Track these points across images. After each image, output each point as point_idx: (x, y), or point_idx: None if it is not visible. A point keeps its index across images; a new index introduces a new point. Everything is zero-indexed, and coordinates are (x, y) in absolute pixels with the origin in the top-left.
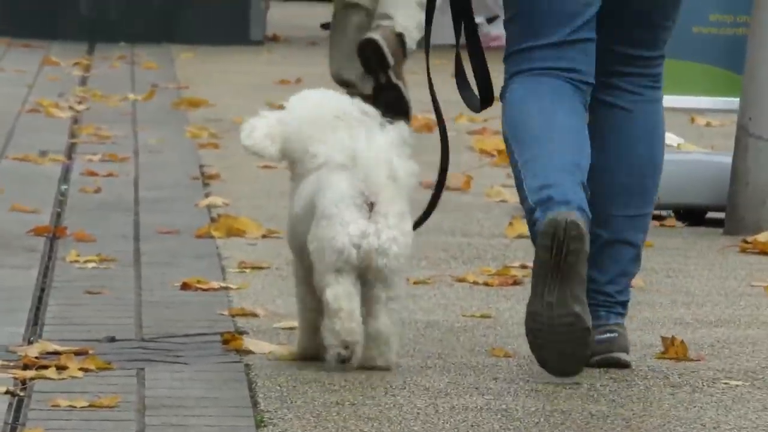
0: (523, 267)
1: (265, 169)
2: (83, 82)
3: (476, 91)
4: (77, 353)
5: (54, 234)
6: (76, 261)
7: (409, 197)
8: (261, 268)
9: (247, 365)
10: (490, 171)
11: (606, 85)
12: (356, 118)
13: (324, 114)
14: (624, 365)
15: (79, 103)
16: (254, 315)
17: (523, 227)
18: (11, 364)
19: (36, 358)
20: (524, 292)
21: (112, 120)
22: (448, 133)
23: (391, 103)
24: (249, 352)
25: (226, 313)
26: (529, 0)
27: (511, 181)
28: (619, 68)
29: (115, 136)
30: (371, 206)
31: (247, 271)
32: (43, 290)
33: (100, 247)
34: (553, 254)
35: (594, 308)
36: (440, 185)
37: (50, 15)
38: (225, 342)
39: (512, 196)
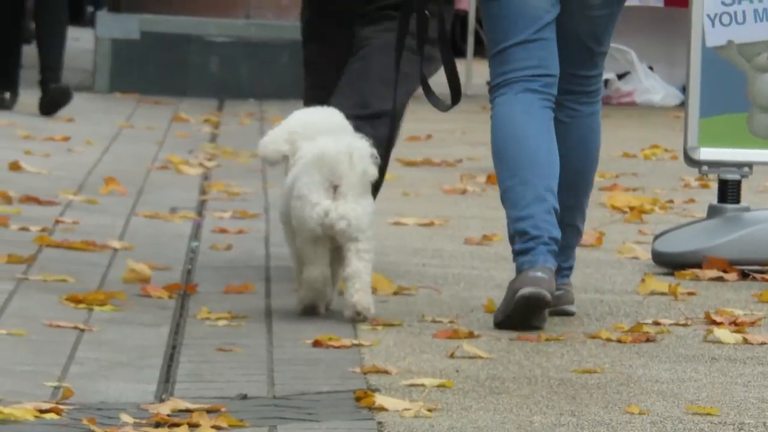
0: (656, 324)
1: (396, 226)
2: (213, 138)
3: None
4: (209, 411)
5: (185, 291)
6: (207, 318)
7: (368, 186)
8: (392, 325)
9: (379, 423)
10: (622, 227)
11: (557, 104)
12: (344, 130)
13: (317, 123)
14: (570, 314)
15: (209, 159)
16: (386, 372)
17: (656, 284)
18: (143, 422)
19: (168, 415)
20: (658, 348)
21: (241, 176)
22: None
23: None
24: (381, 409)
25: (357, 370)
26: (498, 10)
27: (644, 238)
28: (563, 86)
29: (244, 193)
30: (335, 188)
31: (379, 328)
32: (174, 347)
33: (231, 304)
34: (522, 315)
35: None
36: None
37: (180, 72)
38: (357, 399)
39: (644, 253)
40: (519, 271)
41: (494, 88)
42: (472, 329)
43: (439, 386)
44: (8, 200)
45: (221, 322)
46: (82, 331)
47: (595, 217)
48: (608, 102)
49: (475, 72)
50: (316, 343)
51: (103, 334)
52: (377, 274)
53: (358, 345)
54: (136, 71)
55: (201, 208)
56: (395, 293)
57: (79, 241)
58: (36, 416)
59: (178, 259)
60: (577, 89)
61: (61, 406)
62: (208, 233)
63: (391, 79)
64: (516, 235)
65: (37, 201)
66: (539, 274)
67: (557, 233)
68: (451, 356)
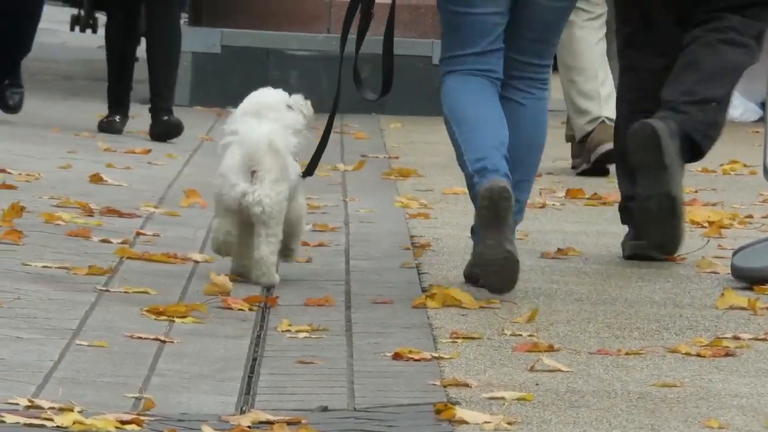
0: (736, 338)
1: None
2: None
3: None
4: (289, 423)
5: (266, 303)
6: (288, 330)
7: (285, 166)
8: (473, 338)
9: None
10: (701, 242)
11: (508, 86)
12: (278, 109)
13: (249, 106)
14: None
15: None
16: (466, 385)
17: (735, 298)
18: None
19: (248, 427)
20: (737, 363)
21: (322, 190)
22: None
23: None
24: (462, 422)
25: (438, 383)
26: (456, 21)
27: (723, 252)
28: (517, 73)
29: (325, 206)
30: (253, 173)
31: (459, 341)
32: (255, 360)
33: (311, 316)
34: (490, 210)
35: None
36: (326, 134)
37: (260, 86)
38: (437, 412)
39: (724, 267)
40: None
41: (446, 73)
42: (552, 342)
43: (518, 399)
44: (90, 212)
45: (302, 335)
46: (164, 342)
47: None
48: None
49: (551, 86)
50: (397, 356)
51: (184, 346)
52: (460, 291)
53: (438, 358)
54: (217, 85)
55: None
56: (476, 307)
57: (160, 253)
58: (117, 427)
59: None
60: (527, 75)
61: (143, 418)
62: None
63: (718, 71)
64: (475, 174)
65: (118, 213)
66: (500, 181)
67: (511, 178)
68: (531, 369)
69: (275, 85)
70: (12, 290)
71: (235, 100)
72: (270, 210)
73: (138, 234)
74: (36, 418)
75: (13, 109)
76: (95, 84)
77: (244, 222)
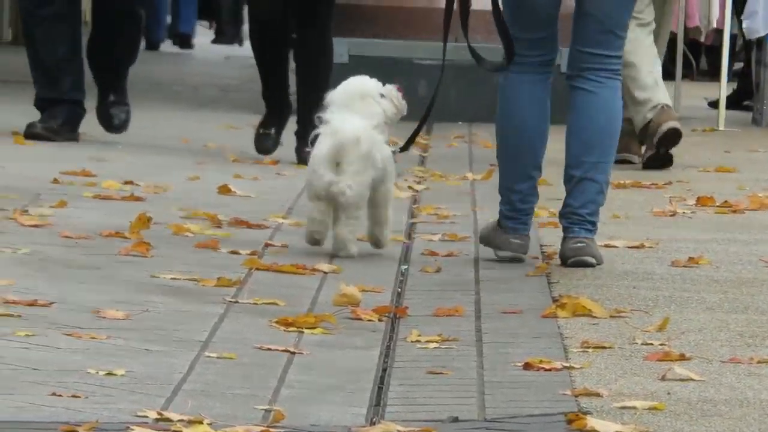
0: None
1: (606, 248)
2: (422, 161)
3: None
4: None
5: (395, 314)
6: (418, 341)
7: (369, 157)
8: (604, 347)
9: None
10: None
11: (579, 77)
12: (374, 97)
13: (342, 95)
14: (590, 265)
15: (419, 183)
16: (597, 395)
17: None
18: None
19: None
20: None
21: (450, 199)
22: None
23: None
24: (593, 431)
25: (569, 393)
26: (515, 9)
27: None
28: (586, 65)
29: (454, 216)
30: (338, 164)
31: (590, 350)
32: (384, 370)
33: (441, 326)
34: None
35: (570, 225)
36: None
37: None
38: (569, 422)
39: None
40: (503, 228)
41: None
42: (683, 351)
43: (650, 409)
44: (218, 224)
45: (431, 345)
46: (293, 354)
47: None
48: None
49: (683, 93)
50: (527, 366)
51: (313, 357)
52: (590, 300)
53: (569, 368)
54: None
55: (410, 231)
56: (608, 316)
57: (289, 264)
58: None
59: (388, 281)
60: (597, 66)
61: (272, 430)
62: (417, 256)
63: None
64: (506, 200)
65: (246, 224)
66: (518, 241)
67: (536, 200)
68: (663, 379)
69: (404, 95)
70: (141, 302)
71: None
72: (351, 199)
73: (267, 245)
74: (165, 430)
75: (118, 128)
76: (222, 94)
77: (331, 207)
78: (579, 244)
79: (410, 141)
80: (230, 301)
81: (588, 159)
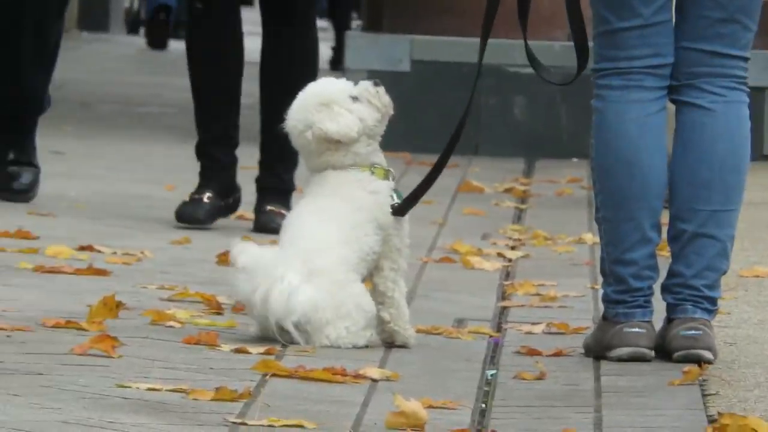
0: None
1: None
2: (518, 217)
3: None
4: None
5: None
6: None
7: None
8: None
9: None
10: None
11: (689, 87)
12: (341, 103)
13: (310, 99)
14: (706, 362)
15: (513, 248)
16: None
17: None
18: None
19: None
20: None
21: (560, 272)
22: None
23: None
24: None
25: None
26: None
27: None
28: (698, 69)
29: (564, 297)
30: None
31: None
32: None
33: None
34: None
35: (680, 302)
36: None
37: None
38: None
39: None
40: (613, 321)
41: (602, 73)
42: None
43: None
44: (217, 309)
45: None
46: None
47: None
48: None
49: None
50: None
51: None
52: (762, 420)
53: None
54: (407, 119)
55: (500, 319)
56: None
57: (321, 367)
58: None
59: (467, 394)
60: (714, 71)
61: None
62: (510, 356)
63: None
64: (613, 278)
65: None
66: (636, 330)
67: (656, 275)
68: None
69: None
70: (102, 425)
71: (435, 138)
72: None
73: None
74: None
75: (21, 193)
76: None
77: None
78: (693, 332)
79: (414, 198)
80: (234, 423)
81: (704, 207)
